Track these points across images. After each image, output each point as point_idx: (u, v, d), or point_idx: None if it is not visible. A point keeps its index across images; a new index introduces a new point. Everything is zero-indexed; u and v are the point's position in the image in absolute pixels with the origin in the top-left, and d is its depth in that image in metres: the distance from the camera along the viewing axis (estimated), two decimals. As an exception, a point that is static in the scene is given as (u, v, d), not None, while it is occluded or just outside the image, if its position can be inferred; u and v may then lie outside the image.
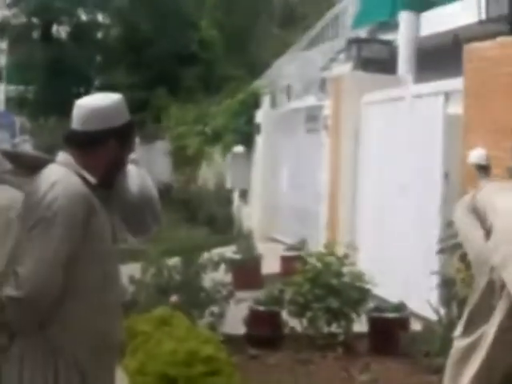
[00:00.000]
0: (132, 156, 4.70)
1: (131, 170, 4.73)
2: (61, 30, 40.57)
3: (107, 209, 4.48)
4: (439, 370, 7.55)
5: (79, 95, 36.14)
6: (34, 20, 39.76)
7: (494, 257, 6.93)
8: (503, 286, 6.82)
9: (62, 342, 4.19)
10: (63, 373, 4.17)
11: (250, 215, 22.11)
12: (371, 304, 10.51)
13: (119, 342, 4.78)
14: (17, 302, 4.04)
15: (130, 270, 10.55)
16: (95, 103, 4.43)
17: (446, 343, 7.41)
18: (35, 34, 40.11)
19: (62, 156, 4.38)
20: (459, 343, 7.12)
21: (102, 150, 4.36)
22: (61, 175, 4.26)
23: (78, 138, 4.36)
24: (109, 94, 4.58)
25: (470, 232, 7.40)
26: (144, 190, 4.75)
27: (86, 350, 4.26)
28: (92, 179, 4.34)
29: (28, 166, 4.58)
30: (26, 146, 40.06)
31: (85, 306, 4.27)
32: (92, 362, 4.29)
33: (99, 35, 41.18)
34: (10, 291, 4.06)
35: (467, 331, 7.07)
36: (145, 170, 4.88)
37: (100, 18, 41.26)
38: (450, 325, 7.57)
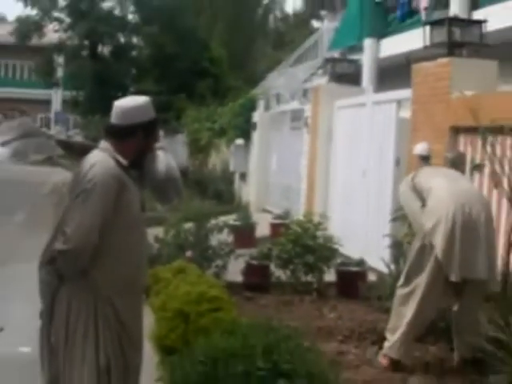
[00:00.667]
0: (161, 144, 4.87)
1: (160, 155, 4.80)
2: (104, 50, 40.37)
3: (138, 185, 4.65)
4: (388, 310, 7.62)
5: (117, 99, 36.48)
6: (84, 41, 39.56)
7: (426, 225, 6.98)
8: (432, 248, 6.87)
9: (100, 286, 4.37)
10: (101, 309, 4.35)
11: (248, 192, 22.11)
12: (338, 260, 10.56)
13: (144, 286, 4.95)
14: (64, 253, 4.26)
15: (155, 232, 10.63)
16: (127, 104, 4.57)
17: (394, 290, 7.46)
18: (85, 52, 39.89)
19: (103, 144, 4.53)
20: (401, 291, 7.18)
21: (131, 139, 4.51)
22: (99, 158, 4.43)
23: (114, 130, 4.54)
24: (138, 97, 4.68)
25: (410, 204, 7.46)
26: (169, 171, 4.80)
27: (118, 292, 4.43)
28: (124, 162, 4.48)
29: (77, 152, 4.73)
30: (78, 137, 40.25)
31: (116, 260, 4.43)
32: (123, 301, 4.45)
33: (134, 53, 41.03)
34: (58, 245, 4.28)
35: (406, 283, 7.14)
36: (170, 155, 4.94)
37: (135, 40, 41.21)
38: (398, 277, 7.59)
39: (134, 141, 4.53)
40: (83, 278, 4.34)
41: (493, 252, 7.00)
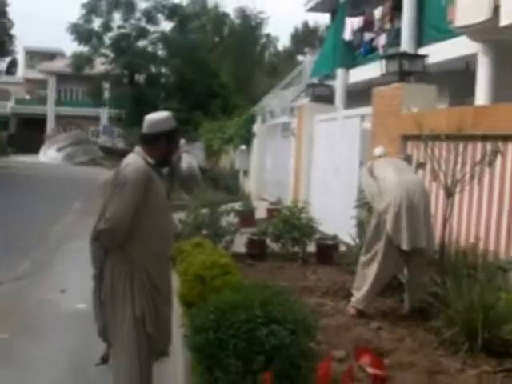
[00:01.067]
0: (185, 149, 4.99)
1: (184, 157, 4.87)
2: (140, 78, 40.44)
3: (168, 179, 4.75)
4: (354, 273, 7.66)
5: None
6: (124, 71, 39.64)
7: (379, 207, 7.05)
8: (385, 225, 6.95)
9: (135, 258, 4.42)
10: (136, 274, 4.42)
11: (249, 185, 22.13)
12: (317, 235, 10.60)
13: (170, 256, 4.94)
14: (104, 231, 4.34)
15: (180, 216, 10.72)
16: (153, 117, 4.60)
17: (358, 258, 7.52)
18: (125, 80, 39.90)
19: (136, 149, 4.58)
20: (363, 258, 7.25)
21: (157, 144, 4.52)
22: (132, 159, 4.48)
23: (145, 137, 4.57)
24: (162, 112, 4.76)
25: (369, 188, 7.50)
26: (190, 169, 4.85)
27: (150, 261, 4.46)
28: (151, 161, 4.50)
29: (118, 155, 4.79)
30: (120, 144, 40.33)
31: (147, 236, 4.45)
32: (154, 268, 4.49)
33: (162, 80, 41.07)
34: (101, 225, 4.35)
35: (367, 251, 7.20)
36: (192, 157, 5.02)
37: (163, 70, 41.23)
38: (361, 248, 7.64)
39: (159, 145, 4.53)
40: (122, 251, 4.40)
41: (430, 228, 7.09)
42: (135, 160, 4.49)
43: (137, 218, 4.39)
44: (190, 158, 4.95)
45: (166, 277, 4.73)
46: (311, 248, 10.44)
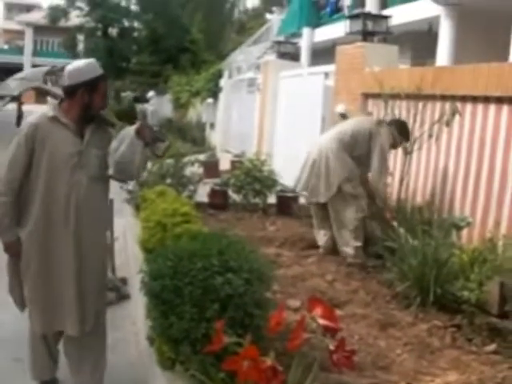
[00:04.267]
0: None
1: (128, 140, 3.94)
2: (113, 31, 40.32)
3: (91, 139, 3.97)
4: (311, 225, 7.53)
5: (122, 68, 36.09)
6: (99, 25, 39.55)
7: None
8: None
9: (22, 222, 3.99)
10: (24, 240, 4.02)
11: (215, 137, 21.89)
12: (278, 187, 10.40)
13: (70, 222, 4.03)
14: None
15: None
16: (72, 66, 3.93)
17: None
18: (99, 33, 39.90)
19: (50, 100, 4.26)
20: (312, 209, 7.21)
21: (76, 96, 3.85)
22: (39, 112, 3.98)
23: (64, 90, 3.94)
24: (84, 60, 4.06)
25: None
26: (117, 166, 3.95)
27: (34, 232, 3.96)
28: (53, 114, 3.88)
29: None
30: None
31: (32, 197, 3.91)
32: (40, 240, 3.98)
33: (135, 34, 41.04)
34: None
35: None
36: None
37: (135, 24, 41.16)
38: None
39: (79, 97, 3.83)
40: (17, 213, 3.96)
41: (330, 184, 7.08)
42: (39, 113, 3.94)
43: (31, 174, 3.86)
44: (131, 145, 3.93)
45: (63, 253, 4.00)
46: (272, 200, 10.27)
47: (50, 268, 3.97)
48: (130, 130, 3.91)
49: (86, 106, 3.87)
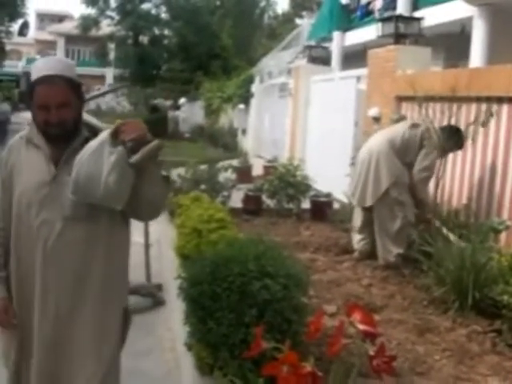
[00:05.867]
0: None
1: (96, 145, 2.55)
2: (144, 39, 40.78)
3: (70, 163, 2.63)
4: (347, 229, 7.50)
5: (153, 75, 36.40)
6: (129, 33, 39.98)
7: None
8: None
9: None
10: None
11: (247, 142, 21.93)
12: (312, 192, 10.38)
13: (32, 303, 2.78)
14: None
15: (178, 171, 10.50)
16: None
17: (351, 216, 7.38)
18: (129, 41, 40.30)
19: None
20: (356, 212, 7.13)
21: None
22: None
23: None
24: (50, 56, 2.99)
25: None
26: (80, 180, 2.56)
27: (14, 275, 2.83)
28: (36, 140, 2.76)
29: None
30: (124, 102, 40.40)
31: (12, 234, 2.80)
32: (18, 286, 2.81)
33: (165, 42, 41.36)
34: None
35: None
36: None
37: (166, 32, 41.56)
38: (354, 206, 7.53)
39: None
40: None
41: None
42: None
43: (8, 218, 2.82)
44: (97, 152, 2.53)
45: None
46: (306, 205, 10.26)
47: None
48: (105, 133, 2.58)
49: (37, 122, 2.71)
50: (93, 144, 2.56)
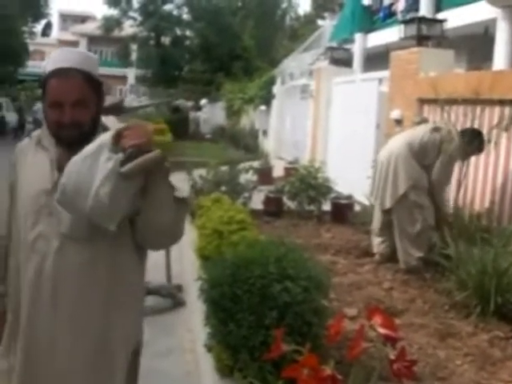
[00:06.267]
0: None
1: (93, 149, 2.09)
2: (166, 40, 40.81)
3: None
4: (368, 232, 7.49)
5: (174, 76, 36.53)
6: (151, 34, 40.15)
7: None
8: None
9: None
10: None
11: (268, 144, 21.96)
12: (333, 194, 10.35)
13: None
14: None
15: (199, 172, 10.52)
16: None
17: (372, 218, 7.36)
18: (151, 42, 40.52)
19: None
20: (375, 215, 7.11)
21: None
22: None
23: None
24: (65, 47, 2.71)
25: None
26: (68, 189, 2.10)
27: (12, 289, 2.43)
28: (46, 141, 2.35)
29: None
30: (146, 102, 40.58)
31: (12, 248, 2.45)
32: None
33: (187, 43, 41.46)
34: None
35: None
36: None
37: (187, 33, 41.62)
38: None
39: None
40: None
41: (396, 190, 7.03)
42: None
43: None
44: (92, 156, 2.07)
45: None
46: (326, 207, 10.24)
47: None
48: (106, 135, 2.13)
49: (48, 122, 2.31)
50: (90, 146, 2.11)
